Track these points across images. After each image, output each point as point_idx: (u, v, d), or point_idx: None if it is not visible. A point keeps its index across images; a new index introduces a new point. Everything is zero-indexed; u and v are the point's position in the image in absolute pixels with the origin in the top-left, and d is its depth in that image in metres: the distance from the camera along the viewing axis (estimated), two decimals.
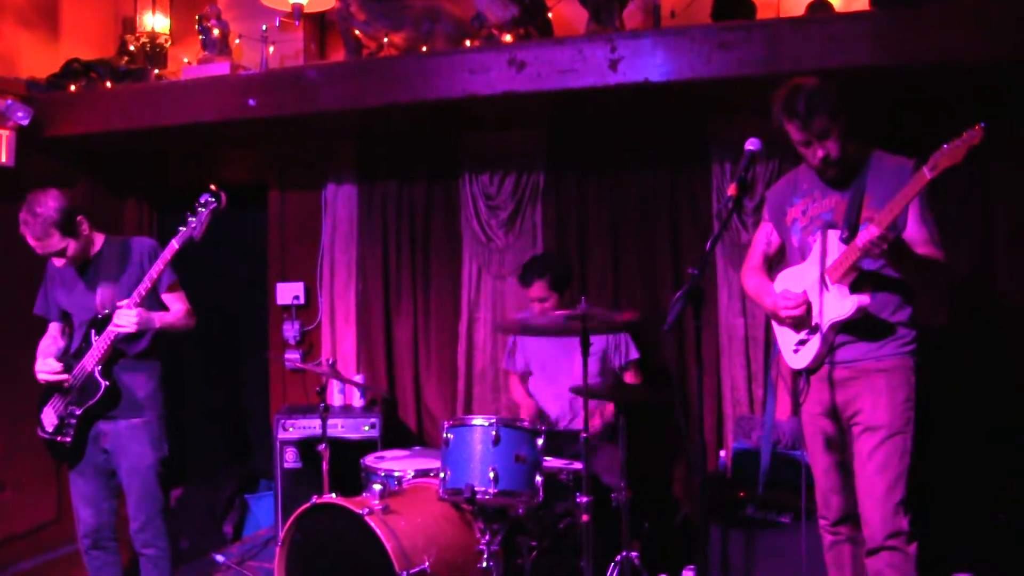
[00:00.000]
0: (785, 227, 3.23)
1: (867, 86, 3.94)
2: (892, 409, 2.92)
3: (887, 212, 2.74)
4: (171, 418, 3.71)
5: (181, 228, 3.42)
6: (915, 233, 2.92)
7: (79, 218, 3.56)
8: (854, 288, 2.94)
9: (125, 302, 3.45)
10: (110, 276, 3.59)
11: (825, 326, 2.99)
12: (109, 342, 3.46)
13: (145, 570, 3.62)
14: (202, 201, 3.44)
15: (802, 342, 3.10)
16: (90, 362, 3.49)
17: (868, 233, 2.74)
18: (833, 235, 2.98)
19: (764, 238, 3.36)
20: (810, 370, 3.10)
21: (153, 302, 3.59)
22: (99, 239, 3.70)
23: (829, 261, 2.98)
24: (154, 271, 3.44)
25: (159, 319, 3.59)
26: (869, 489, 2.92)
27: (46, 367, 3.54)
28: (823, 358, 3.04)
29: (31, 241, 3.50)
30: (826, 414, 3.08)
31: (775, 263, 3.36)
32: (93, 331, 3.51)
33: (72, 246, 3.54)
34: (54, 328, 3.76)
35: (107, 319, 3.47)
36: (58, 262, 3.62)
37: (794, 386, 3.24)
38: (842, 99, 2.91)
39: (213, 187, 3.47)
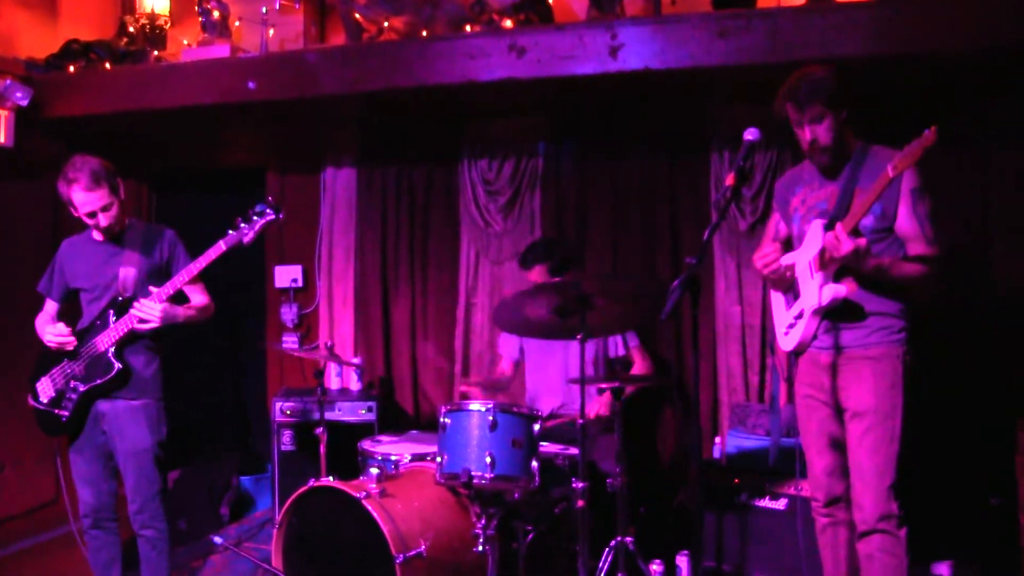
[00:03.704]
0: (788, 215, 3.28)
1: (868, 75, 3.95)
2: (878, 395, 2.96)
3: (851, 217, 2.85)
4: (169, 400, 3.72)
5: (231, 231, 3.45)
6: (905, 227, 2.96)
7: (118, 179, 3.57)
8: (839, 276, 2.99)
9: (154, 292, 3.44)
10: (133, 258, 3.58)
11: (808, 313, 3.06)
12: (129, 327, 3.47)
13: (143, 551, 3.63)
14: (257, 210, 3.49)
15: (791, 325, 3.18)
16: (104, 342, 3.49)
17: (828, 237, 2.84)
18: (818, 225, 3.03)
19: (772, 227, 3.44)
20: (796, 353, 3.19)
21: (176, 295, 3.58)
22: (125, 219, 3.69)
23: (814, 250, 3.02)
24: (195, 268, 3.44)
25: (183, 314, 3.59)
26: (860, 473, 2.98)
27: (56, 331, 3.52)
28: (807, 343, 3.12)
29: (80, 195, 3.45)
30: (819, 398, 3.14)
31: (784, 251, 3.39)
32: (112, 311, 3.51)
33: (115, 207, 3.53)
34: (51, 307, 3.74)
35: (128, 303, 3.48)
36: (96, 235, 3.61)
37: (789, 371, 3.28)
38: (846, 92, 2.97)
39: (271, 199, 3.53)
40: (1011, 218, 4.32)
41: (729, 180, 2.67)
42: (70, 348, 3.53)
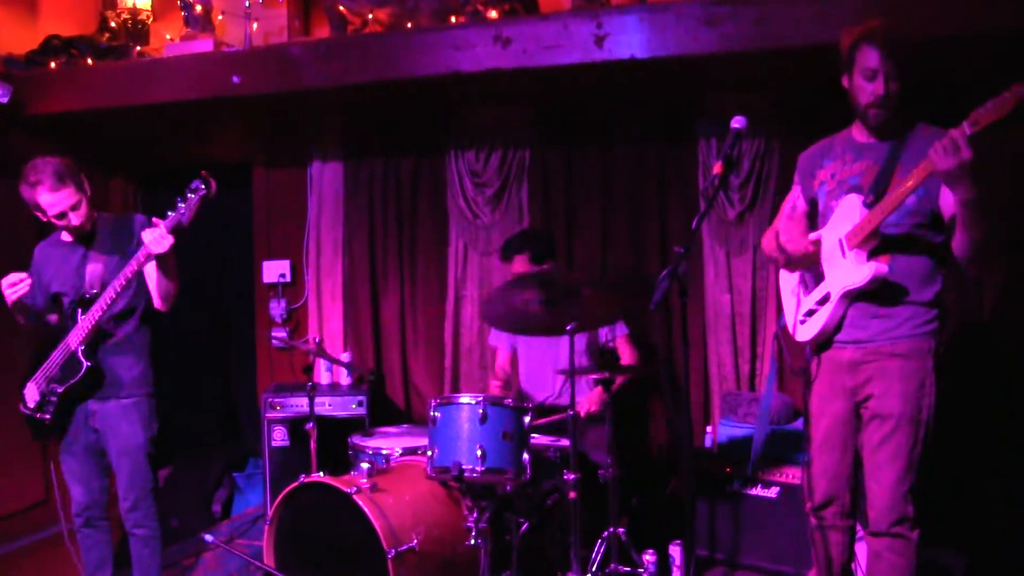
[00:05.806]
0: (812, 190, 3.08)
1: None
2: (904, 397, 2.78)
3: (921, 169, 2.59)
4: (158, 397, 3.70)
5: (170, 213, 3.32)
6: (955, 210, 2.70)
7: (83, 176, 3.51)
8: (873, 256, 2.81)
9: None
10: (101, 254, 3.54)
11: (837, 295, 2.85)
12: (94, 321, 3.42)
13: (135, 550, 3.60)
14: (192, 187, 3.35)
15: (810, 312, 2.98)
16: (74, 341, 3.45)
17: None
18: (854, 199, 2.83)
19: (790, 202, 3.19)
20: (818, 345, 2.98)
21: (141, 285, 3.55)
22: (94, 215, 3.64)
23: (848, 226, 2.83)
24: (142, 255, 3.36)
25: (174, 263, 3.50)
26: (877, 476, 2.82)
27: (7, 280, 3.42)
28: (831, 331, 2.91)
29: (46, 197, 3.40)
30: (836, 395, 2.94)
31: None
32: (79, 309, 3.47)
33: (84, 204, 3.49)
34: None
35: (94, 298, 3.43)
36: (65, 236, 3.58)
37: (782, 360, 3.19)
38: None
39: (204, 173, 3.37)
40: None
41: (717, 168, 2.62)
42: (26, 290, 3.44)
